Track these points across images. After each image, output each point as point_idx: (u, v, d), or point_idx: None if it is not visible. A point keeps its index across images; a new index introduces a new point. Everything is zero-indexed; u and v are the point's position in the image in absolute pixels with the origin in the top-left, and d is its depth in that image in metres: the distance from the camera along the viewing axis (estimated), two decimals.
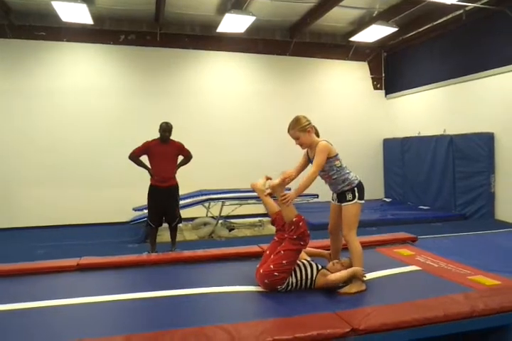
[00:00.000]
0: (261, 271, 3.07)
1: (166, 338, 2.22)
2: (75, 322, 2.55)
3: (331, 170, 3.31)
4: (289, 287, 3.05)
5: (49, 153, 8.57)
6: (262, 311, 2.76)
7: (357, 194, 3.29)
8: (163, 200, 5.74)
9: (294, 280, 3.06)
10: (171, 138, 5.83)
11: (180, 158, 5.95)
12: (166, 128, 5.79)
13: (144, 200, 5.85)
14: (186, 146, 5.95)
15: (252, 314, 2.67)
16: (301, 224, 3.10)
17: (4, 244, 6.72)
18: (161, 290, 3.04)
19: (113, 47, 8.90)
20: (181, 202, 6.55)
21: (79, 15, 7.43)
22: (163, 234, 6.51)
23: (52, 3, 6.94)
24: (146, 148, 5.81)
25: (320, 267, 3.17)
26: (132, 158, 5.80)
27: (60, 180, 8.57)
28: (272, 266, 3.01)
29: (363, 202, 3.32)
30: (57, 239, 6.99)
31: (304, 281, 3.07)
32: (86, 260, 3.68)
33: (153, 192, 5.75)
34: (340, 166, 3.33)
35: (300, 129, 3.31)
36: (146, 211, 6.30)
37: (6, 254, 5.51)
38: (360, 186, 3.33)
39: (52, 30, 8.52)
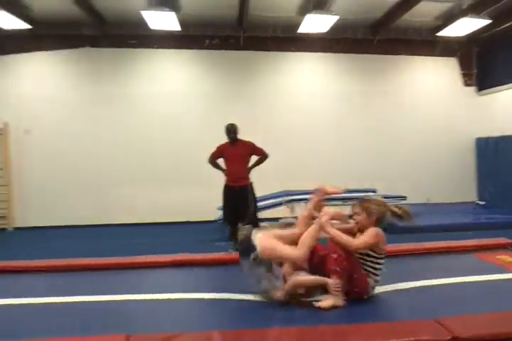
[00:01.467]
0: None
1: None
2: (170, 316, 2.63)
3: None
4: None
5: (141, 155, 9.07)
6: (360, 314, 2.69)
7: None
8: (235, 200, 5.88)
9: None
10: (241, 138, 6.03)
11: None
12: (230, 130, 5.97)
13: None
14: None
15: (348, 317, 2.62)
16: None
17: (100, 240, 7.25)
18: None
19: (198, 52, 9.22)
20: (264, 203, 6.62)
21: (167, 22, 7.79)
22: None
23: (142, 12, 7.34)
24: (219, 151, 6.09)
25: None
26: (210, 161, 6.18)
27: (152, 180, 9.00)
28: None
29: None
30: (149, 236, 7.37)
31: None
32: (180, 256, 3.81)
33: (226, 192, 5.94)
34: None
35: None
36: None
37: (101, 249, 5.88)
38: None
39: (143, 38, 8.99)
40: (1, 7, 7.38)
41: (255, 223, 5.83)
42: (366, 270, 2.86)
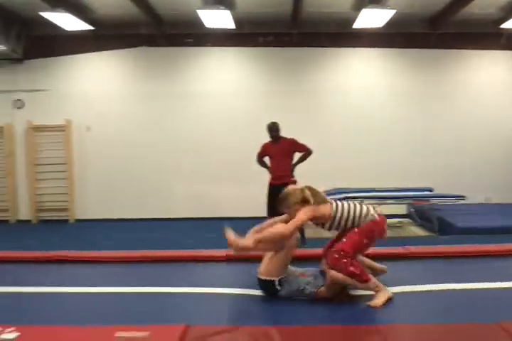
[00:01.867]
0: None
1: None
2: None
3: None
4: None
5: (197, 151, 9.23)
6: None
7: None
8: (276, 198, 5.84)
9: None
10: (284, 136, 6.03)
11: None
12: (272, 128, 6.04)
13: None
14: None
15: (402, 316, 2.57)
16: None
17: (161, 233, 7.56)
18: None
19: (252, 49, 9.27)
20: None
21: (222, 20, 7.90)
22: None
23: (198, 11, 7.48)
24: (263, 150, 6.19)
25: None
26: (257, 160, 6.31)
27: (206, 176, 9.16)
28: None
29: None
30: (214, 230, 7.53)
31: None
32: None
33: (269, 189, 6.00)
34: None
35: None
36: None
37: (161, 242, 6.09)
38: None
39: (198, 36, 9.16)
40: (66, 10, 7.75)
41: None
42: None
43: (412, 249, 3.85)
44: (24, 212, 9.61)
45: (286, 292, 2.83)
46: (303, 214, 2.88)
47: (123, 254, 3.93)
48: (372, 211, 2.95)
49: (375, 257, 3.63)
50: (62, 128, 9.33)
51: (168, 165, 9.24)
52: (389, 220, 6.85)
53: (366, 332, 2.32)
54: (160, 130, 9.31)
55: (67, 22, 8.33)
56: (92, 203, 9.45)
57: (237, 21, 8.22)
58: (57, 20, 8.19)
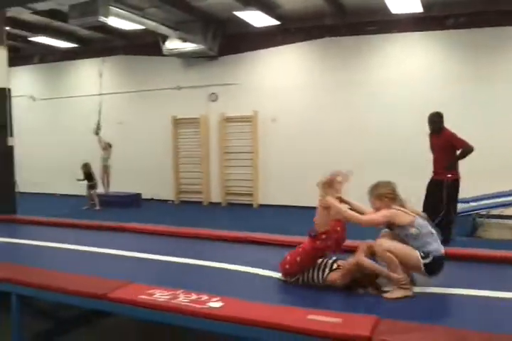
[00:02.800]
0: (287, 257, 2.98)
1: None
2: None
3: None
4: (299, 281, 2.94)
5: (384, 140, 8.93)
6: None
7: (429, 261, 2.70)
8: (428, 193, 5.54)
9: (301, 278, 2.93)
10: (447, 128, 5.58)
11: None
12: (430, 119, 5.63)
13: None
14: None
15: None
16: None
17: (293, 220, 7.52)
18: None
19: (441, 33, 8.63)
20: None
21: (409, 4, 7.55)
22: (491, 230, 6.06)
23: None
24: (430, 142, 5.76)
25: (335, 266, 2.88)
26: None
27: (397, 168, 8.84)
28: (288, 258, 2.96)
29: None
30: None
31: (310, 280, 2.90)
32: None
33: (428, 183, 5.65)
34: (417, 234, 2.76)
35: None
36: (469, 204, 6.25)
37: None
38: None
39: (382, 23, 8.90)
40: (256, 7, 8.28)
41: (445, 225, 5.15)
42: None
43: None
44: (215, 195, 10.67)
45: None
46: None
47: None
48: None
49: None
50: (250, 120, 10.05)
51: (350, 155, 9.17)
52: None
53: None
54: (340, 119, 9.35)
55: (257, 19, 8.92)
56: (274, 190, 10.02)
57: (425, 4, 7.75)
58: (248, 18, 8.83)
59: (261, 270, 3.22)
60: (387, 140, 8.92)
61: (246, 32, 9.96)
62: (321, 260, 2.95)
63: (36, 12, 8.51)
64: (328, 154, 9.36)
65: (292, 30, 9.69)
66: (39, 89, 13.00)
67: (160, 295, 2.54)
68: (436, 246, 2.75)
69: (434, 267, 2.70)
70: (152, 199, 11.12)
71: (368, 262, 2.75)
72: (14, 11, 7.90)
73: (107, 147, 10.30)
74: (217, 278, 3.15)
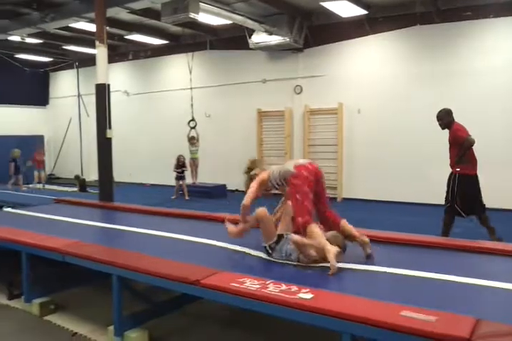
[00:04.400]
0: None
1: None
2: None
3: None
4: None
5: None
6: None
7: None
8: (447, 185, 5.68)
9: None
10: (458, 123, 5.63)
11: None
12: (437, 117, 5.71)
13: None
14: None
15: None
16: None
17: (429, 218, 7.21)
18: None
19: None
20: None
21: None
22: None
23: None
24: None
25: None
26: None
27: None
28: None
29: None
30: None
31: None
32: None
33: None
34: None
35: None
36: None
37: (429, 227, 5.92)
38: None
39: (478, 8, 8.35)
40: None
41: (449, 216, 5.52)
42: None
43: None
44: None
45: (277, 257, 3.28)
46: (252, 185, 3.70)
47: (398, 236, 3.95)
48: (288, 166, 3.39)
49: None
50: (335, 111, 9.92)
51: (441, 150, 8.72)
52: None
53: None
54: (434, 113, 8.84)
55: (343, 9, 8.73)
56: (358, 183, 9.82)
57: None
58: (334, 8, 8.67)
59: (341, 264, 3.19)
60: (483, 134, 8.38)
61: (332, 23, 9.82)
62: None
63: (132, 11, 9.00)
64: (416, 148, 9.02)
65: (380, 19, 9.39)
66: (132, 84, 13.76)
67: (250, 284, 2.60)
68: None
69: None
70: (236, 190, 11.37)
71: (295, 237, 3.15)
72: (113, 12, 8.42)
73: (194, 140, 10.69)
74: (306, 271, 3.17)
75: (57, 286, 4.13)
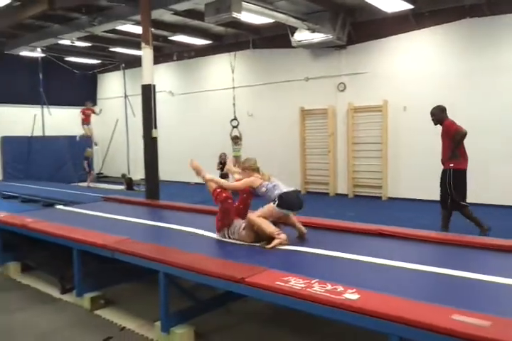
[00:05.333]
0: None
1: None
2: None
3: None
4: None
5: None
6: None
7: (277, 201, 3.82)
8: (440, 182, 5.97)
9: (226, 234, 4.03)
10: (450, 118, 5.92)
11: None
12: (430, 113, 6.05)
13: None
14: None
15: None
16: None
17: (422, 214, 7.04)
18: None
19: None
20: None
21: None
22: None
23: None
24: None
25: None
26: None
27: None
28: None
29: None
30: None
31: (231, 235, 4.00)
32: None
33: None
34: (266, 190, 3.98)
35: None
36: None
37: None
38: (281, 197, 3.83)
39: None
40: None
41: (449, 211, 5.86)
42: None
43: None
44: (342, 187, 10.56)
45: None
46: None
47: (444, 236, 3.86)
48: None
49: None
50: (379, 109, 9.72)
51: (488, 148, 8.44)
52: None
53: None
54: (485, 110, 8.53)
55: (388, 4, 8.54)
56: (404, 182, 9.60)
57: None
58: (379, 4, 8.49)
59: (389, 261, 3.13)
60: None
61: (376, 19, 9.64)
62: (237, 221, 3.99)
63: (175, 13, 9.15)
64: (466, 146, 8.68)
65: (426, 13, 9.10)
66: (176, 84, 14.00)
67: (295, 283, 2.60)
68: (279, 191, 3.87)
69: (282, 202, 3.80)
70: None
71: (256, 220, 3.77)
72: (157, 14, 8.59)
73: (237, 139, 10.74)
74: (348, 270, 3.13)
75: (106, 281, 4.26)
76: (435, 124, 6.13)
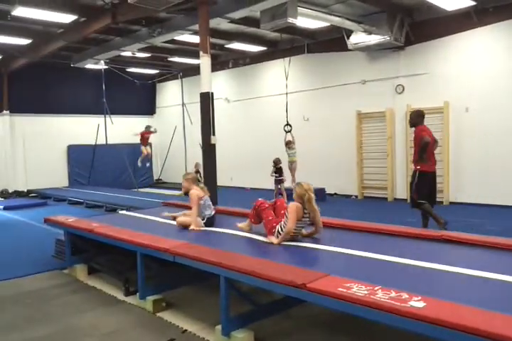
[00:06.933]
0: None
1: None
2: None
3: None
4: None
5: None
6: None
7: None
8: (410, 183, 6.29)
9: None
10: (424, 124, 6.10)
11: None
12: (410, 114, 6.36)
13: None
14: None
15: None
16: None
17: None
18: None
19: None
20: None
21: None
22: None
23: None
24: None
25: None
26: None
27: None
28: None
29: None
30: None
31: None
32: None
33: None
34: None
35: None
36: None
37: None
38: None
39: None
40: None
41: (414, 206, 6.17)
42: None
43: None
44: (400, 191, 10.26)
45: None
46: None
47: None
48: None
49: None
50: (440, 111, 9.38)
51: None
52: None
53: None
54: None
55: (449, 2, 8.25)
56: (468, 186, 9.20)
57: None
58: (438, 2, 8.22)
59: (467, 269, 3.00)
60: None
61: (435, 18, 9.35)
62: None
63: (231, 21, 9.29)
64: None
65: (490, 9, 8.71)
66: (232, 91, 14.20)
67: (358, 289, 2.54)
68: (208, 213, 4.79)
69: (208, 223, 4.75)
70: (335, 194, 11.23)
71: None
72: (214, 22, 8.75)
73: (291, 144, 10.65)
74: (416, 277, 3.03)
75: (168, 285, 4.37)
76: (410, 127, 6.46)
